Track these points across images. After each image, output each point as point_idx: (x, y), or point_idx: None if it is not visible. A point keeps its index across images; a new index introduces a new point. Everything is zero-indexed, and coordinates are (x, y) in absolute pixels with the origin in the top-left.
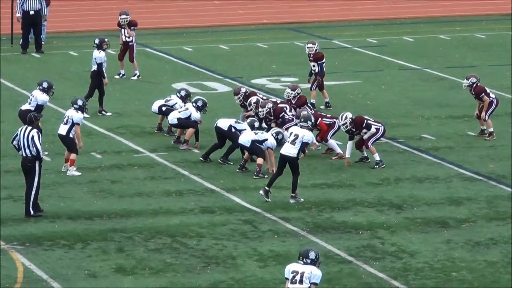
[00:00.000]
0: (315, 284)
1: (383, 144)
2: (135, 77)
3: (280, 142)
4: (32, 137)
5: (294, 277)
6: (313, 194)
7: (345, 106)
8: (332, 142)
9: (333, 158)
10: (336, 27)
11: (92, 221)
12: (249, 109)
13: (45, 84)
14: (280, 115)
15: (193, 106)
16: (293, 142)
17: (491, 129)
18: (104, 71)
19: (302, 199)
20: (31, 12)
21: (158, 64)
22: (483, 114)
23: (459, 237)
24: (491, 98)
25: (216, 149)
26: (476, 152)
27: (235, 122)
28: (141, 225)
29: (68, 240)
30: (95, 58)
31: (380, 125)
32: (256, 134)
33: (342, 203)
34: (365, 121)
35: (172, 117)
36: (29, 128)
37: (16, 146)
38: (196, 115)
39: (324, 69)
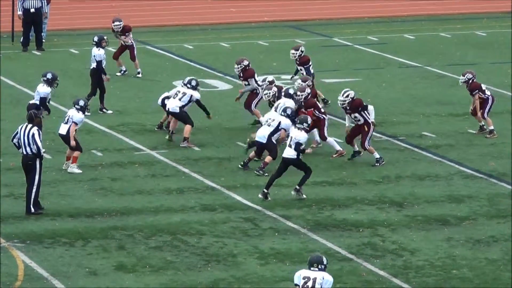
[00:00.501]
0: None
1: (384, 142)
2: (139, 75)
3: (292, 117)
4: (33, 134)
5: (305, 283)
6: (314, 192)
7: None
8: (331, 140)
9: (333, 156)
10: (336, 25)
11: (92, 219)
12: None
13: (49, 75)
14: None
15: (188, 88)
16: (290, 145)
17: (491, 127)
18: (104, 68)
19: (304, 196)
20: (32, 10)
21: (159, 61)
22: (479, 113)
23: (459, 235)
24: (486, 95)
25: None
26: (476, 150)
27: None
28: (142, 223)
29: (68, 238)
30: (94, 56)
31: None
32: (269, 125)
33: (343, 200)
34: (361, 107)
35: (174, 105)
36: (30, 125)
37: (16, 144)
38: (196, 94)
39: (312, 71)
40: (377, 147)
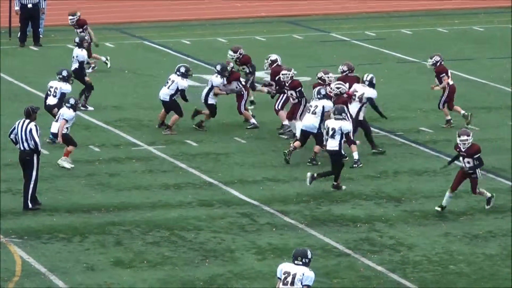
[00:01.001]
0: (307, 286)
1: (381, 137)
2: (90, 70)
3: (326, 94)
4: (30, 130)
5: (285, 278)
6: (311, 187)
7: None
8: (298, 123)
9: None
10: (334, 20)
11: (90, 214)
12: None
13: (64, 73)
14: (297, 89)
15: (177, 75)
16: (332, 136)
17: (448, 117)
18: (85, 69)
19: (344, 187)
20: (29, 5)
21: (156, 57)
22: (440, 104)
23: (457, 230)
24: (448, 83)
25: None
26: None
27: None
28: (139, 218)
29: (66, 233)
30: (76, 56)
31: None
32: (314, 113)
33: (340, 196)
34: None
35: (164, 94)
36: (27, 121)
37: (14, 139)
38: (182, 83)
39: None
40: (375, 142)
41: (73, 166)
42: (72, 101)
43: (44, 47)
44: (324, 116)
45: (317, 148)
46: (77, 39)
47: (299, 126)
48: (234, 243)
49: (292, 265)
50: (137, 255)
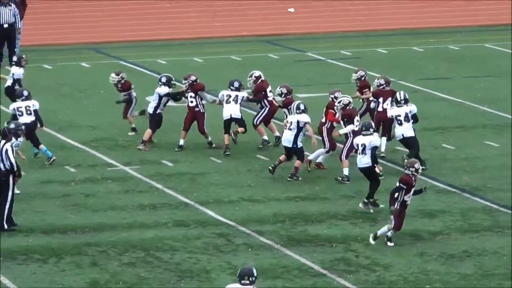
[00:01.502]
0: None
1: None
2: None
3: (305, 109)
4: (6, 150)
5: None
6: (287, 207)
7: (319, 118)
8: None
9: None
10: (310, 39)
11: (66, 235)
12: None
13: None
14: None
15: (159, 85)
16: (363, 152)
17: (265, 137)
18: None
19: (372, 211)
20: (5, 26)
21: (132, 77)
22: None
23: (432, 250)
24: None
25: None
26: (450, 164)
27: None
28: (115, 239)
29: (42, 254)
30: (13, 74)
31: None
32: (290, 129)
33: (316, 216)
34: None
35: (150, 106)
36: (3, 141)
37: None
38: (160, 90)
39: (134, 95)
40: (351, 162)
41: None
42: (12, 125)
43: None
44: (302, 130)
45: (298, 163)
46: (14, 58)
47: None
48: (210, 263)
49: (238, 286)
50: (113, 276)
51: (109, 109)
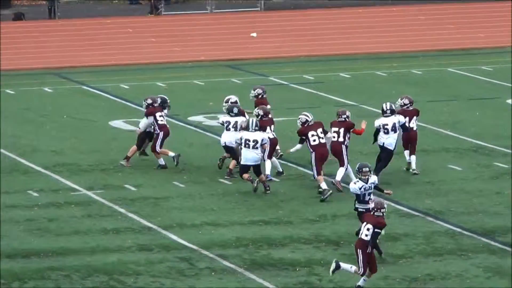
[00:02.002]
0: None
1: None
2: None
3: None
4: None
5: None
6: (251, 231)
7: (282, 142)
8: (275, 160)
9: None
10: (273, 64)
11: (29, 259)
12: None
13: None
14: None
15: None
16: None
17: (161, 161)
18: None
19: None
20: None
21: (95, 102)
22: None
23: (396, 273)
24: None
25: None
26: (413, 188)
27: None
28: (79, 263)
29: (5, 279)
30: None
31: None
32: (254, 147)
33: (280, 239)
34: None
35: (141, 124)
36: None
37: None
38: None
39: None
40: (313, 185)
41: None
42: None
43: None
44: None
45: (232, 163)
46: None
47: (270, 164)
48: (173, 287)
49: None
50: None
51: (72, 133)
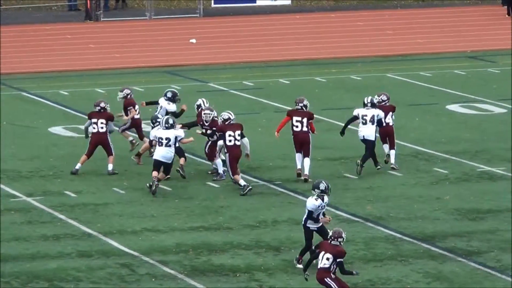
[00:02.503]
0: None
1: (260, 187)
2: None
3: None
4: None
5: None
6: (191, 237)
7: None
8: (219, 161)
9: (214, 178)
10: (212, 70)
11: None
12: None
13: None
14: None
15: (164, 99)
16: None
17: (130, 138)
18: None
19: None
20: None
21: (34, 108)
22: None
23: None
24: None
25: None
26: (353, 194)
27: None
28: (19, 270)
29: None
30: None
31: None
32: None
33: (220, 245)
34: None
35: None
36: None
37: None
38: (169, 107)
39: None
40: (253, 192)
41: None
42: None
43: None
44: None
45: (182, 160)
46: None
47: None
48: None
49: None
50: None
51: (11, 140)
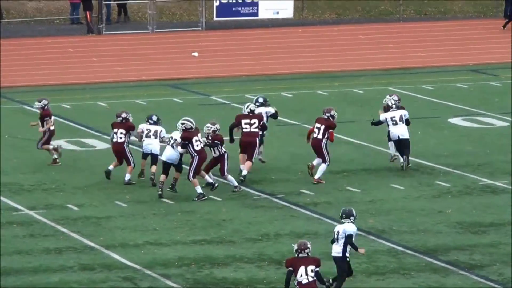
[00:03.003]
0: None
1: (262, 200)
2: None
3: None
4: None
5: None
6: (193, 250)
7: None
8: (230, 177)
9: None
10: (214, 83)
11: None
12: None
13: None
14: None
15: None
16: (337, 240)
17: (54, 156)
18: None
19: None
20: None
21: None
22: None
23: None
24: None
25: None
26: (355, 207)
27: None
28: (21, 283)
29: None
30: None
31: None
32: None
33: (222, 259)
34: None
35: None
36: None
37: None
38: (267, 109)
39: None
40: (255, 205)
41: None
42: None
43: None
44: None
45: (177, 174)
46: None
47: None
48: None
49: None
50: None
51: (13, 153)
